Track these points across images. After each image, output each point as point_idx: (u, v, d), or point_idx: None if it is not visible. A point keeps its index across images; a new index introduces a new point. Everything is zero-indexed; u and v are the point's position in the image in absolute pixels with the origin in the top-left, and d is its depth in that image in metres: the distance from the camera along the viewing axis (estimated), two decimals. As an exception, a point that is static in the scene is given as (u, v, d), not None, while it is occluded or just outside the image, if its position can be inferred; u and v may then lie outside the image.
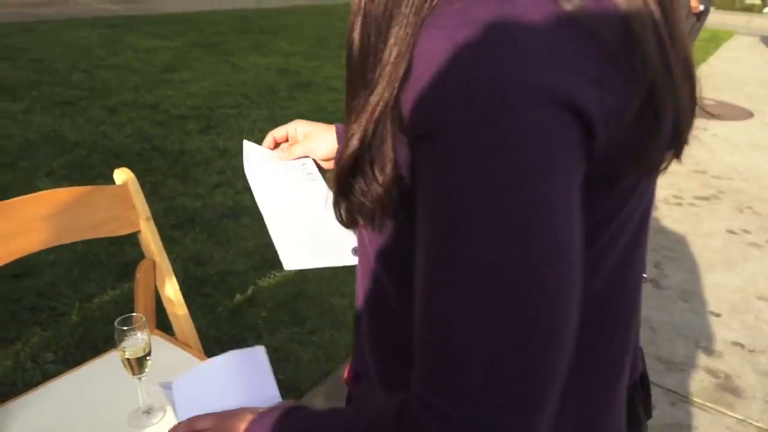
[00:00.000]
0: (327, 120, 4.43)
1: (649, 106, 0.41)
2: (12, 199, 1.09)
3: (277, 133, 0.92)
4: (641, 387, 0.66)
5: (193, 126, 4.05)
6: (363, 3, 0.47)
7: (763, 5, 20.64)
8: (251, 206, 2.92)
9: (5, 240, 1.08)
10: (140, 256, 1.28)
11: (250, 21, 8.84)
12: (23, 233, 1.10)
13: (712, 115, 5.60)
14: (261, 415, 0.54)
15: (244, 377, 0.74)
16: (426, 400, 0.39)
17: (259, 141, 3.58)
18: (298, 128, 0.90)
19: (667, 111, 0.42)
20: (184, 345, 1.25)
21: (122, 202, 1.23)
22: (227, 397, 0.69)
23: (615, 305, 0.53)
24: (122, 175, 1.25)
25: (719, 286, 2.67)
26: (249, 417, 0.55)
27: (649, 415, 0.68)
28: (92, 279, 2.25)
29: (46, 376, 1.73)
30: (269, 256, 2.50)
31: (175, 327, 1.28)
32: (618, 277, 0.51)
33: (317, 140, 0.88)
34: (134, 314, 1.01)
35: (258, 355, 0.75)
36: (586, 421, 0.54)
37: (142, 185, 3.39)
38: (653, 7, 0.42)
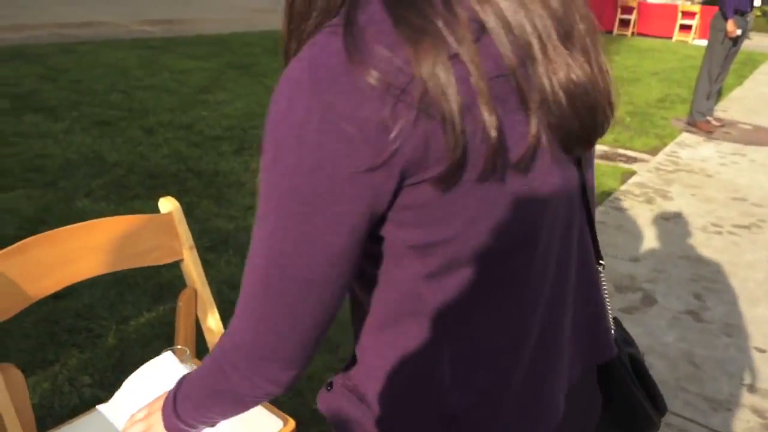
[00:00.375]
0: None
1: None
2: (60, 229, 1.11)
3: None
4: (634, 374, 0.69)
5: (227, 147, 4.10)
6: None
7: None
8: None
9: (53, 268, 1.09)
10: (176, 278, 1.29)
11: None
12: (70, 261, 1.12)
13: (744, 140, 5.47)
14: (169, 391, 0.68)
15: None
16: (223, 335, 0.58)
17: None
18: None
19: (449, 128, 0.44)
20: (223, 376, 1.24)
21: (166, 231, 1.24)
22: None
23: (500, 294, 0.54)
24: (167, 204, 1.26)
25: (764, 320, 2.58)
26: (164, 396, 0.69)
27: (659, 409, 0.71)
28: (129, 301, 2.27)
29: (83, 400, 1.75)
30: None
31: (215, 357, 1.27)
32: (504, 270, 0.53)
33: None
34: (179, 347, 1.01)
35: None
36: (492, 389, 0.57)
37: (178, 206, 3.39)
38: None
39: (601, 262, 0.67)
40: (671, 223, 3.56)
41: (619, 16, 13.67)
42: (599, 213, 3.62)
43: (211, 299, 1.25)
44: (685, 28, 13.18)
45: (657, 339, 2.39)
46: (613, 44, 11.64)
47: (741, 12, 5.24)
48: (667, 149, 5.12)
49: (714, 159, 4.91)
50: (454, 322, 0.54)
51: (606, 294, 0.68)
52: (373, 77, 0.43)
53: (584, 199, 0.60)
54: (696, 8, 13.16)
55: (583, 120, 0.51)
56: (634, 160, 4.76)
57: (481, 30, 0.46)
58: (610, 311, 0.69)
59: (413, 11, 0.44)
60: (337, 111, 0.44)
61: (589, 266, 0.64)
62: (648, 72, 8.79)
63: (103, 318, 2.16)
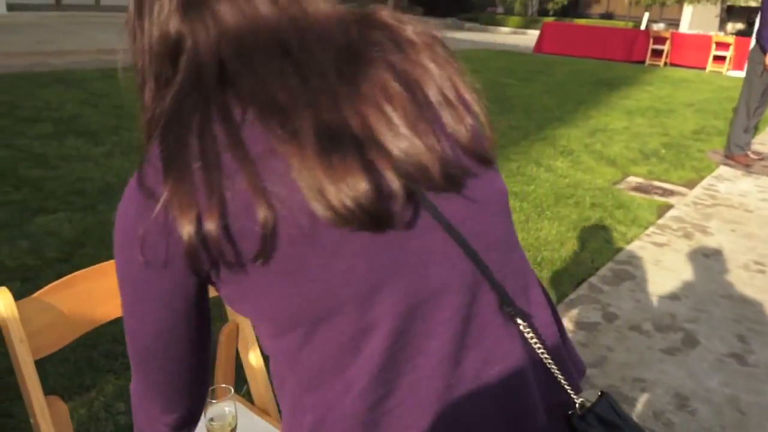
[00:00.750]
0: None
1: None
2: (109, 262, 1.12)
3: None
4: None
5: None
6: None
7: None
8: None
9: (102, 300, 1.10)
10: (212, 305, 1.28)
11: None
12: (118, 295, 1.12)
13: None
14: None
15: None
16: None
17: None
18: None
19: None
20: (263, 412, 1.23)
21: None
22: None
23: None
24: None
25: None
26: None
27: None
28: (164, 327, 2.28)
29: (118, 427, 1.75)
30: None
31: (255, 393, 1.26)
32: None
33: None
34: (222, 385, 1.00)
35: None
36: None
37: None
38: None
39: (519, 321, 0.60)
40: (711, 260, 3.47)
41: (652, 46, 13.59)
42: (636, 247, 3.54)
43: (253, 335, 1.24)
44: (719, 59, 13.03)
45: (700, 383, 2.31)
46: (645, 75, 11.56)
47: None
48: (705, 182, 5.02)
49: (753, 193, 4.79)
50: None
51: (554, 371, 0.62)
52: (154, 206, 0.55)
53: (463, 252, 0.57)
54: (730, 39, 13.02)
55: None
56: (671, 193, 4.68)
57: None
58: (573, 395, 0.63)
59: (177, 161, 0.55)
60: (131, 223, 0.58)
61: (498, 343, 0.59)
62: (682, 103, 8.68)
63: (139, 344, 2.17)
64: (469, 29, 24.97)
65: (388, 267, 0.55)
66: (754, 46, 5.34)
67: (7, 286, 2.57)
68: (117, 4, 14.71)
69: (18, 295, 2.41)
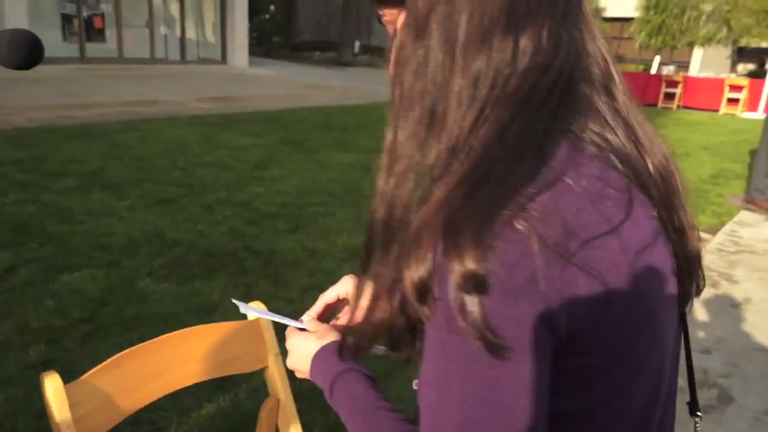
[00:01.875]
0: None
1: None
2: (153, 340, 1.12)
3: (328, 296, 0.91)
4: None
5: (283, 225, 4.18)
6: (389, 186, 0.58)
7: None
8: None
9: (148, 379, 1.10)
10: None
11: (333, 118, 9.30)
12: (163, 373, 1.12)
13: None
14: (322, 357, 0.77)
15: None
16: None
17: (346, 241, 3.64)
18: (348, 288, 0.90)
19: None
20: (303, 490, 1.20)
21: (253, 338, 1.25)
22: None
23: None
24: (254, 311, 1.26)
25: None
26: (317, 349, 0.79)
27: None
28: (190, 391, 2.26)
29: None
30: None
31: (294, 470, 1.24)
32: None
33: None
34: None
35: None
36: None
37: (236, 287, 3.47)
38: None
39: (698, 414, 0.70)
40: (740, 310, 3.40)
41: (664, 89, 13.69)
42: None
43: (294, 412, 1.23)
44: (733, 101, 13.08)
45: (741, 444, 2.24)
46: (658, 117, 11.61)
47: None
48: (727, 228, 4.97)
49: (778, 240, 4.73)
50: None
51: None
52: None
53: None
54: (744, 81, 13.10)
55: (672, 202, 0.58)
56: (694, 240, 4.63)
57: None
58: None
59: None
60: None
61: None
62: (698, 146, 8.69)
63: (164, 409, 2.15)
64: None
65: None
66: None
67: (33, 350, 2.58)
68: (139, 57, 15.19)
69: (45, 359, 2.42)
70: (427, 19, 0.52)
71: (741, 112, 12.78)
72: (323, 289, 3.35)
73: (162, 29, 16.08)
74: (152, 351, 1.12)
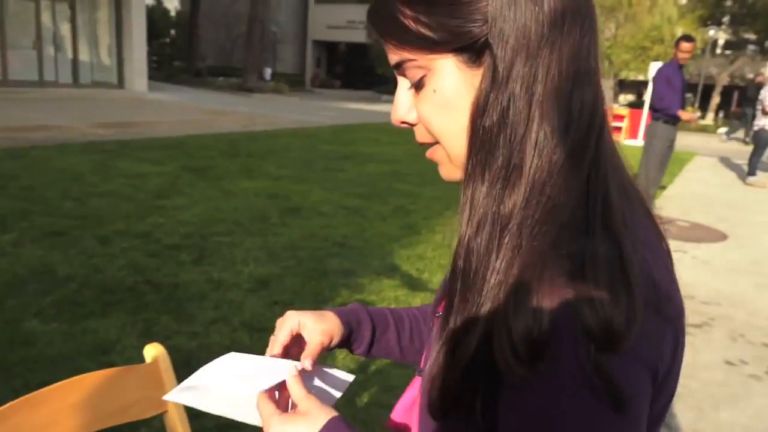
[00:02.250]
0: (320, 246, 4.44)
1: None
2: (39, 391, 1.05)
3: (282, 337, 0.79)
4: None
5: (186, 256, 4.03)
6: (467, 236, 0.56)
7: (717, 126, 22.13)
8: (249, 345, 2.85)
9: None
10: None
11: (238, 145, 9.13)
12: (51, 424, 1.05)
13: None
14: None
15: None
16: None
17: (253, 271, 3.57)
18: (300, 321, 0.80)
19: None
20: None
21: (151, 382, 1.20)
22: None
23: None
24: (152, 351, 1.22)
25: (728, 425, 2.63)
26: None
27: None
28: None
29: None
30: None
31: None
32: None
33: (317, 326, 0.81)
34: None
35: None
36: None
37: (135, 324, 3.30)
38: None
39: None
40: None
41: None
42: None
43: (197, 455, 1.19)
44: (616, 129, 14.21)
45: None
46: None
47: (673, 121, 5.73)
48: (615, 248, 5.35)
49: (659, 257, 5.15)
50: None
51: None
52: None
53: None
54: (624, 111, 14.29)
55: None
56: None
57: None
58: None
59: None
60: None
61: None
62: (588, 171, 9.32)
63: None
64: (386, 101, 25.93)
65: None
66: (653, 122, 5.89)
67: None
68: (26, 79, 14.24)
69: None
70: (510, 69, 0.52)
71: (624, 140, 13.90)
72: (229, 323, 3.27)
73: (51, 50, 15.20)
74: (37, 402, 1.04)
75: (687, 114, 5.72)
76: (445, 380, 0.55)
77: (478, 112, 0.54)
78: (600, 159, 0.53)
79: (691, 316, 3.84)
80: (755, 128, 9.63)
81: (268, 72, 26.48)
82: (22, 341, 2.76)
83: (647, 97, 5.79)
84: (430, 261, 4.30)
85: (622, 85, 24.22)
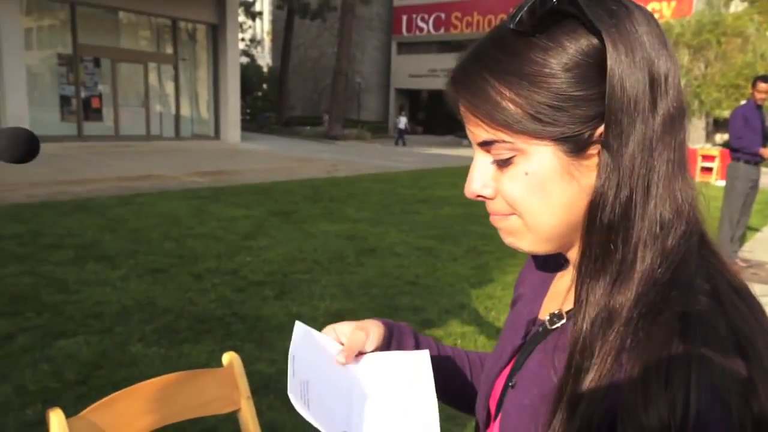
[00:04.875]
0: (393, 285, 4.66)
1: None
2: (141, 384, 1.32)
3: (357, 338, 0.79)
4: None
5: (269, 292, 4.37)
6: (584, 333, 0.55)
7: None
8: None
9: (136, 418, 1.29)
10: (219, 422, 1.45)
11: (321, 190, 9.64)
12: (149, 413, 1.32)
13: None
14: None
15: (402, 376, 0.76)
16: None
17: (329, 306, 3.87)
18: (336, 329, 0.81)
19: None
20: None
21: (227, 382, 1.44)
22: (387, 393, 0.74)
23: None
24: (228, 357, 1.47)
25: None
26: None
27: None
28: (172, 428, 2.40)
29: None
30: (339, 426, 2.61)
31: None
32: None
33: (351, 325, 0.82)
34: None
35: (421, 358, 0.76)
36: None
37: (222, 350, 3.62)
38: None
39: None
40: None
41: (641, 158, 14.25)
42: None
43: (264, 447, 1.41)
44: (707, 170, 13.64)
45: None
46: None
47: (755, 161, 5.57)
48: (696, 291, 5.19)
49: (744, 300, 4.95)
50: None
51: None
52: None
53: None
54: (715, 152, 13.71)
55: None
56: (663, 302, 4.84)
57: None
58: None
59: None
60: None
61: None
62: (672, 213, 9.02)
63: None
64: (467, 146, 26.14)
65: None
66: (732, 162, 5.75)
67: (31, 410, 2.74)
68: (135, 134, 15.72)
69: (41, 419, 2.57)
70: (631, 171, 0.53)
71: (715, 181, 13.30)
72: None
73: (157, 107, 16.74)
74: (138, 394, 1.31)
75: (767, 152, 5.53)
76: None
77: (597, 208, 0.55)
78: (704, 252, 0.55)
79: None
80: None
81: (402, 121, 26.97)
82: (128, 362, 3.14)
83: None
84: (499, 300, 4.40)
85: (718, 124, 23.18)
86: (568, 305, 0.64)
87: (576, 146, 0.55)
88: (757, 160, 5.55)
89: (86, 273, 4.56)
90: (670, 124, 0.54)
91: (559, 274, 0.73)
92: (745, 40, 17.73)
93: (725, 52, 17.81)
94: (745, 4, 24.62)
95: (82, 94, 14.98)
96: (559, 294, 0.68)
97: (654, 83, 0.53)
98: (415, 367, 0.76)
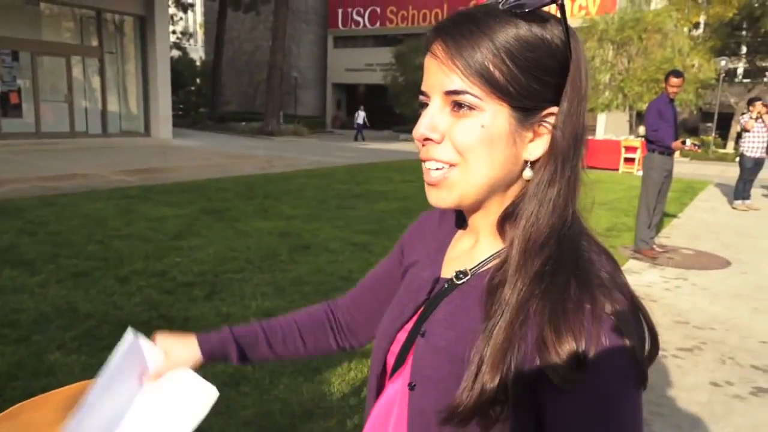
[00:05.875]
0: (326, 281, 4.66)
1: None
2: (51, 392, 1.29)
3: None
4: None
5: (199, 292, 4.30)
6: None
7: (736, 154, 21.95)
8: (251, 372, 3.08)
9: (41, 430, 1.26)
10: None
11: (255, 187, 9.51)
12: (56, 424, 1.28)
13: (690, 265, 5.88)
14: None
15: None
16: None
17: (260, 305, 3.85)
18: (162, 345, 1.00)
19: None
20: None
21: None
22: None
23: None
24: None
25: (705, 442, 2.73)
26: None
27: None
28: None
29: None
30: (270, 427, 2.61)
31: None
32: None
33: (179, 354, 1.00)
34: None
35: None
36: None
37: (148, 355, 3.50)
38: None
39: None
40: (620, 350, 3.77)
41: (569, 151, 14.82)
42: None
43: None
44: (629, 160, 14.32)
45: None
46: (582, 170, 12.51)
47: (668, 152, 5.90)
48: (616, 277, 5.46)
49: (658, 284, 5.25)
50: None
51: None
52: None
53: None
54: (637, 143, 14.40)
55: None
56: (585, 288, 5.06)
57: None
58: None
59: None
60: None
61: None
62: (597, 202, 9.37)
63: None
64: (404, 140, 26.36)
65: None
66: (648, 154, 6.07)
67: (-62, 425, 2.55)
68: (58, 131, 14.99)
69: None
70: (566, 150, 0.68)
71: (636, 171, 13.99)
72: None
73: (83, 103, 16.01)
74: (49, 403, 1.28)
75: (679, 144, 5.88)
76: (483, 390, 0.62)
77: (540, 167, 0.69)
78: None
79: (682, 341, 3.95)
80: (739, 153, 9.92)
81: (280, 115, 27.06)
82: (45, 371, 3.02)
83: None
84: (430, 292, 4.49)
85: (640, 117, 24.33)
86: (470, 264, 0.75)
87: (524, 117, 0.66)
88: (670, 151, 5.89)
89: (1, 279, 4.35)
90: (582, 132, 0.69)
91: (454, 239, 0.83)
92: (664, 36, 18.66)
93: (646, 48, 18.69)
94: (665, 2, 25.92)
95: (0, 89, 14.17)
96: (460, 256, 0.79)
97: (588, 79, 0.69)
98: (193, 398, 0.92)
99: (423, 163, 0.71)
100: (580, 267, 0.65)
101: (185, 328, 3.64)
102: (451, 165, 0.68)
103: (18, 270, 4.58)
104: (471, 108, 0.66)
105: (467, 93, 0.66)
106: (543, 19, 0.66)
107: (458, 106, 0.67)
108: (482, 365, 0.63)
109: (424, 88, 0.70)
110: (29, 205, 7.05)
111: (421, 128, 0.69)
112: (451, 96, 0.67)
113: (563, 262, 0.65)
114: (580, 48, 0.67)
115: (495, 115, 0.66)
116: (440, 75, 0.67)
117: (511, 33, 0.65)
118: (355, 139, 26.15)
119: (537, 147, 0.68)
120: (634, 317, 0.64)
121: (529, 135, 0.68)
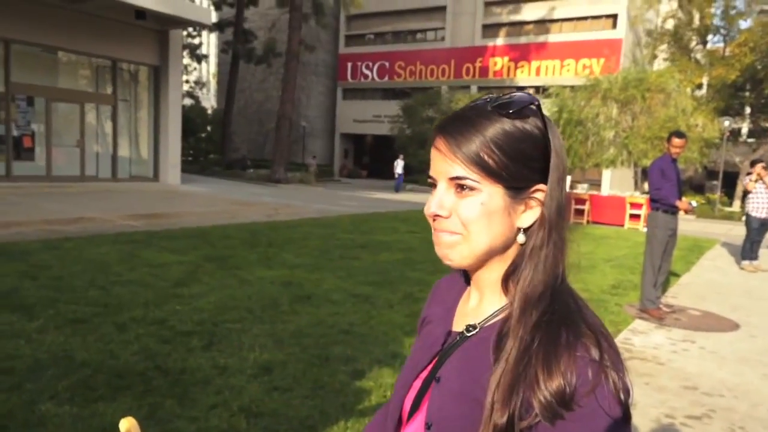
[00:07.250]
0: (326, 333, 4.61)
1: None
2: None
3: None
4: None
5: (197, 342, 4.24)
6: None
7: (742, 213, 21.92)
8: (245, 429, 2.99)
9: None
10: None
11: (260, 234, 9.52)
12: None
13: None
14: None
15: None
16: None
17: (258, 357, 3.78)
18: None
19: None
20: None
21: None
22: None
23: None
24: (126, 425, 1.41)
25: None
26: None
27: None
28: None
29: None
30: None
31: None
32: None
33: None
34: None
35: None
36: None
37: (140, 407, 3.48)
38: None
39: None
40: (626, 414, 3.66)
41: (574, 206, 14.83)
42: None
43: None
44: (635, 216, 14.31)
45: None
46: (570, 232, 12.49)
47: (672, 211, 5.89)
48: (621, 336, 5.37)
49: (665, 346, 5.15)
50: None
51: None
52: None
53: None
54: (642, 199, 14.42)
55: None
56: (590, 348, 4.96)
57: None
58: None
59: None
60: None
61: None
62: (602, 259, 9.39)
63: None
64: (409, 190, 26.52)
65: None
66: (652, 212, 6.06)
67: None
68: (68, 174, 15.18)
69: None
70: (551, 221, 0.81)
71: (642, 227, 13.96)
72: (228, 407, 3.48)
73: (94, 147, 16.28)
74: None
75: (684, 204, 5.88)
76: (495, 427, 0.74)
77: (531, 234, 0.82)
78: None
79: (691, 408, 3.84)
80: (745, 213, 9.93)
81: (400, 165, 26.85)
82: (36, 422, 2.95)
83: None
84: (431, 349, 4.41)
85: (644, 173, 24.47)
86: (478, 319, 0.87)
87: (516, 194, 0.80)
88: (674, 210, 5.88)
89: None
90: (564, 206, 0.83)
91: (462, 299, 0.95)
92: (668, 96, 18.95)
93: (649, 107, 18.95)
94: (667, 63, 26.47)
95: (14, 133, 14.44)
96: (468, 313, 0.91)
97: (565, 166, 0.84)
98: None
99: (435, 234, 0.85)
100: (571, 317, 0.76)
101: (180, 380, 3.58)
102: (458, 234, 0.82)
103: (17, 314, 4.54)
104: (471, 189, 0.80)
105: (468, 178, 0.80)
106: (524, 115, 0.80)
107: (461, 187, 0.81)
108: (494, 404, 0.74)
109: (432, 173, 0.84)
110: (33, 248, 7.06)
111: (432, 207, 0.83)
112: (454, 180, 0.81)
113: (557, 313, 0.76)
114: (557, 135, 0.82)
115: (492, 194, 0.80)
116: (444, 164, 0.81)
117: (499, 129, 0.79)
118: (396, 190, 25.35)
119: (528, 216, 0.82)
120: (619, 360, 0.74)
121: (522, 207, 0.82)
